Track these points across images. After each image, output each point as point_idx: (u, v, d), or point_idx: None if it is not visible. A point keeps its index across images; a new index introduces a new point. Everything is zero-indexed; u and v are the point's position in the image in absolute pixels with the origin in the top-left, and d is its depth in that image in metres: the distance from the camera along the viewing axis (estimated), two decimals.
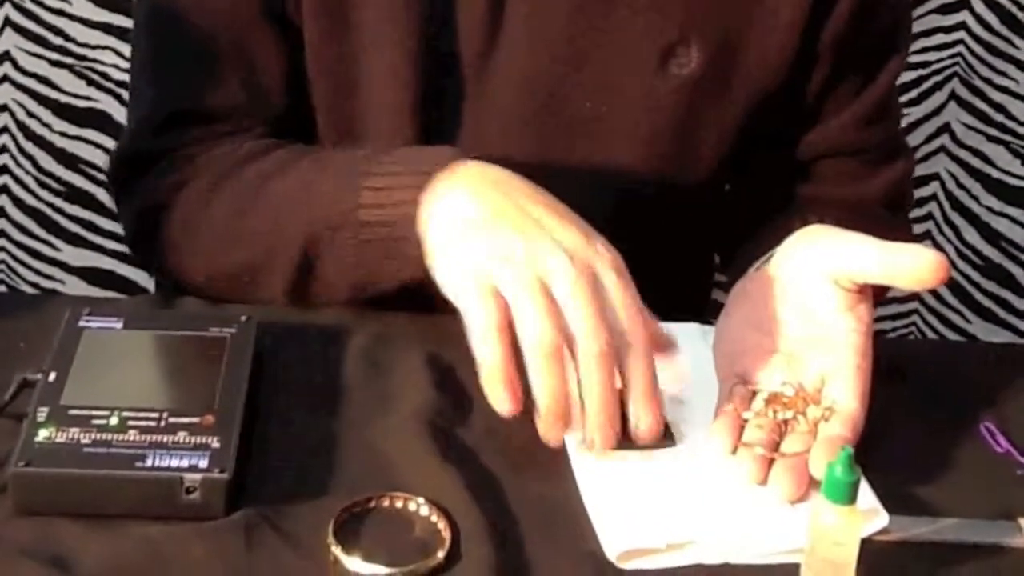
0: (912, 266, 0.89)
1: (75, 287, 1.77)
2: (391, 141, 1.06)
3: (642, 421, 0.86)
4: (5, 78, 1.71)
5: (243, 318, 0.94)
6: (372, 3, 1.04)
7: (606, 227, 1.09)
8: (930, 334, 1.92)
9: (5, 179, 1.75)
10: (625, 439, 0.88)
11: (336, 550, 0.79)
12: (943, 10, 1.76)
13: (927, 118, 1.81)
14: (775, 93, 1.10)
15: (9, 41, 1.69)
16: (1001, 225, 1.86)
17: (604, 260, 0.87)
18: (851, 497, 0.78)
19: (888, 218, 1.17)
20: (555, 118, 1.08)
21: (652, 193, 1.11)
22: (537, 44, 1.06)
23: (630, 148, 1.09)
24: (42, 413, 0.84)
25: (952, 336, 1.90)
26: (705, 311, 1.26)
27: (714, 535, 0.83)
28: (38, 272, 1.79)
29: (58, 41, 1.70)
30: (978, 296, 1.91)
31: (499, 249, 0.87)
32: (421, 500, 0.83)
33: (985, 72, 1.79)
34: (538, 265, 0.86)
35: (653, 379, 0.86)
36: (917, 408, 0.95)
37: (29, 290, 1.77)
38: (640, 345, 0.85)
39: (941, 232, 1.87)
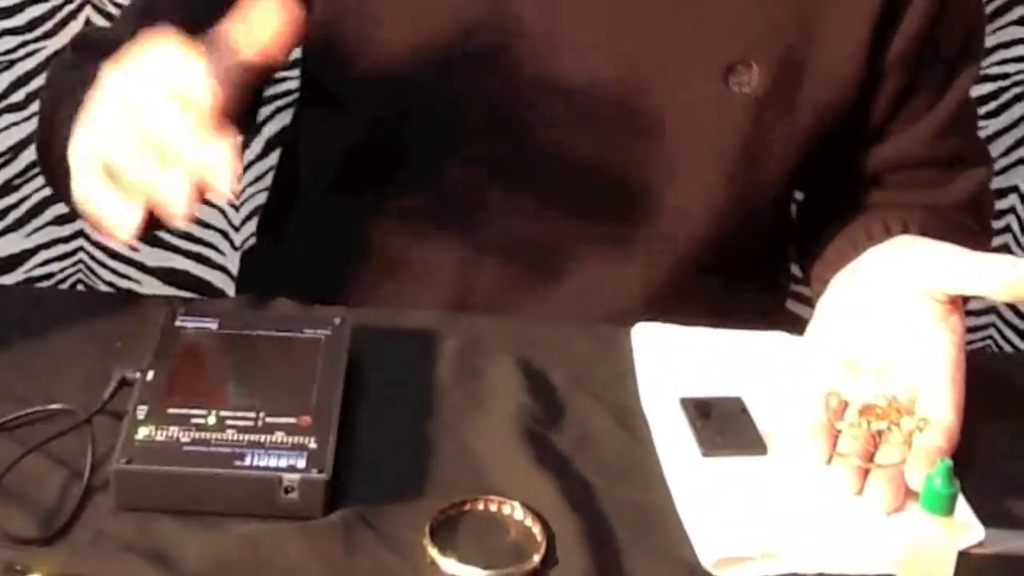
0: (1009, 279, 0.89)
1: (152, 287, 1.79)
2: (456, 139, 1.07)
3: None
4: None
5: (337, 320, 0.95)
6: None
7: (674, 237, 1.10)
8: (1007, 347, 1.91)
9: None
10: (717, 447, 0.89)
11: (433, 551, 0.80)
12: (1023, 22, 1.75)
13: (1006, 130, 1.80)
14: (843, 110, 1.09)
15: None
16: None
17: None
18: (949, 508, 0.78)
19: (970, 224, 1.16)
20: (619, 140, 1.07)
21: (719, 207, 1.10)
22: (597, 59, 1.05)
23: (694, 165, 1.09)
24: (142, 411, 0.85)
25: None
26: (779, 317, 1.25)
27: (809, 545, 0.83)
28: (115, 272, 1.80)
29: None
30: None
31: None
32: (516, 504, 0.84)
33: None
34: None
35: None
36: (1011, 422, 0.95)
37: (106, 290, 1.79)
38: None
39: (1020, 244, 1.85)
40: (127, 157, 0.83)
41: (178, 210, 0.82)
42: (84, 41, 1.13)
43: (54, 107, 1.02)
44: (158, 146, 0.82)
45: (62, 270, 1.79)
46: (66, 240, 1.78)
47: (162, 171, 0.82)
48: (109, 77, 0.86)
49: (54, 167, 1.00)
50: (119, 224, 0.84)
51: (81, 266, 1.80)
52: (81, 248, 1.79)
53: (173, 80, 0.83)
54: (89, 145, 0.86)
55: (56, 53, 1.69)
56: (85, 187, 0.86)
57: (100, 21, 1.69)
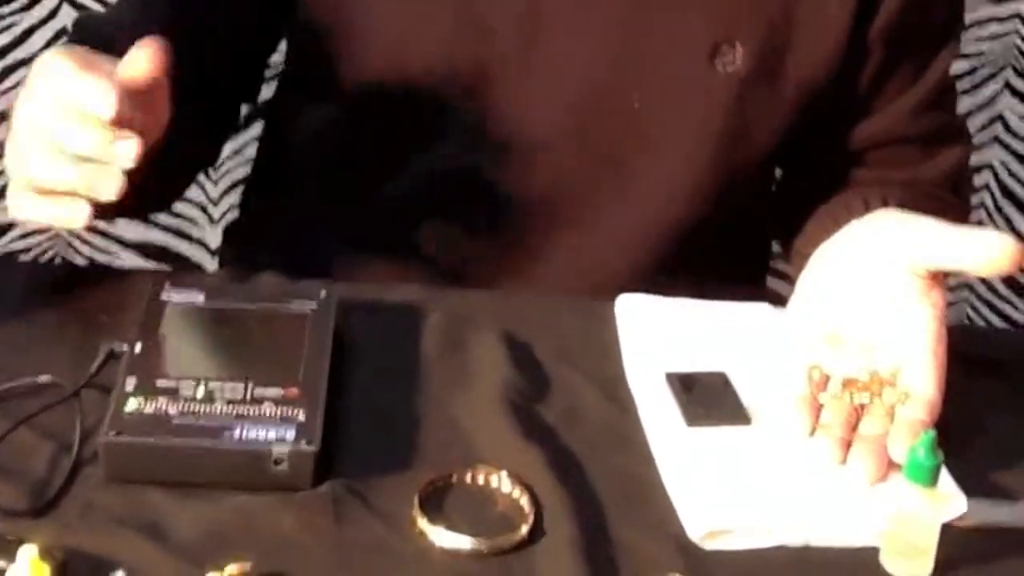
0: (988, 253, 0.90)
1: (130, 260, 1.78)
2: (437, 116, 1.08)
3: None
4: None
5: (323, 293, 0.95)
6: None
7: (657, 215, 1.11)
8: (980, 322, 1.92)
9: None
10: (702, 418, 0.89)
11: (422, 522, 0.81)
12: (998, 0, 1.77)
13: (980, 108, 1.81)
14: (825, 88, 1.10)
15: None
16: None
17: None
18: (933, 480, 0.80)
19: (950, 200, 1.17)
20: (603, 111, 1.08)
21: (703, 185, 1.11)
22: (583, 39, 1.06)
23: (679, 144, 1.10)
24: (130, 384, 0.86)
25: (1001, 325, 1.90)
26: (760, 293, 1.26)
27: (795, 517, 0.84)
28: (92, 246, 1.80)
29: None
30: None
31: None
32: (504, 475, 0.84)
33: None
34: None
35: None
36: (992, 396, 0.96)
37: (84, 264, 1.78)
38: None
39: (993, 221, 1.87)
40: (45, 171, 0.88)
41: (107, 196, 0.87)
42: (80, 28, 1.13)
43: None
44: (69, 155, 0.87)
45: (39, 244, 1.79)
46: None
47: (79, 171, 0.87)
48: (18, 101, 0.91)
49: None
50: (68, 221, 0.90)
51: (59, 240, 1.79)
52: None
53: (72, 94, 0.87)
54: (13, 169, 0.91)
55: (32, 28, 1.68)
56: (20, 206, 0.91)
57: None
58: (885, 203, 1.06)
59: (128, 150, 0.86)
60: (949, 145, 1.18)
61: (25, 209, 0.91)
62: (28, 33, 1.70)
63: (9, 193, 0.92)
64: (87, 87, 0.87)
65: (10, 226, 1.77)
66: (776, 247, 1.32)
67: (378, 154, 1.12)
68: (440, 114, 1.09)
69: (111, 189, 0.87)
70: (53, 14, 1.70)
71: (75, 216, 0.89)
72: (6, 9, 1.67)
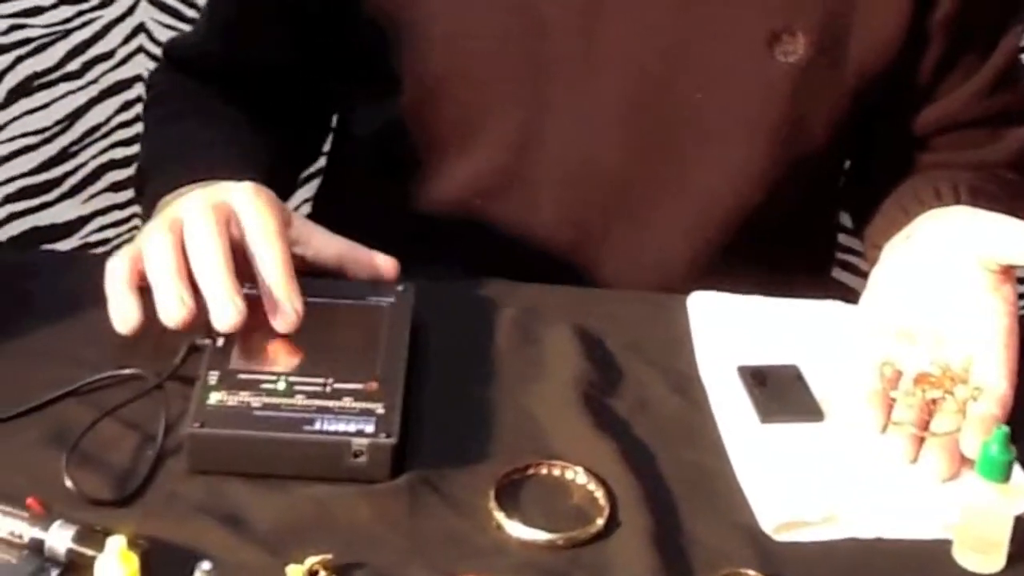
0: None
1: None
2: (492, 114, 1.10)
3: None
4: (140, 49, 1.76)
5: (400, 288, 0.96)
6: None
7: (718, 207, 1.11)
8: None
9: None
10: (775, 413, 0.90)
11: (498, 515, 0.82)
12: None
13: None
14: (887, 76, 1.10)
15: (145, 13, 1.74)
16: None
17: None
18: (1006, 475, 0.80)
19: (1018, 180, 1.16)
20: (663, 107, 1.09)
21: (763, 175, 1.11)
22: (640, 31, 1.07)
23: (739, 136, 1.10)
24: (213, 377, 0.88)
25: None
26: (826, 285, 1.26)
27: (867, 509, 0.84)
28: None
29: (191, 13, 1.74)
30: None
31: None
32: (579, 469, 0.85)
33: None
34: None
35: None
36: None
37: None
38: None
39: None
40: (156, 257, 0.90)
41: (167, 320, 0.89)
42: (171, 53, 1.21)
43: (151, 164, 1.10)
44: (184, 261, 0.90)
45: (117, 236, 1.82)
46: (121, 207, 1.81)
47: (174, 283, 0.89)
48: (187, 201, 0.94)
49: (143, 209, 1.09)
50: (117, 317, 0.91)
51: (136, 232, 1.82)
52: (135, 215, 1.81)
53: (233, 224, 0.91)
54: (137, 247, 0.93)
55: (111, 24, 1.71)
56: (113, 276, 0.92)
57: None
58: (955, 189, 1.06)
59: (228, 318, 0.88)
60: (1016, 125, 1.17)
61: (114, 273, 0.92)
62: (107, 29, 1.73)
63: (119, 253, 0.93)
64: (264, 248, 0.90)
65: (89, 218, 1.81)
66: (844, 239, 1.32)
67: (437, 151, 1.13)
68: (497, 109, 1.10)
69: (177, 314, 0.88)
70: (131, 10, 1.73)
71: (120, 317, 0.91)
72: (85, 5, 1.70)
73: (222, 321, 0.88)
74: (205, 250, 0.89)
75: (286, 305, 0.90)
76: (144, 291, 0.92)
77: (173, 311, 0.89)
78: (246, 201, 0.93)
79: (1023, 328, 0.94)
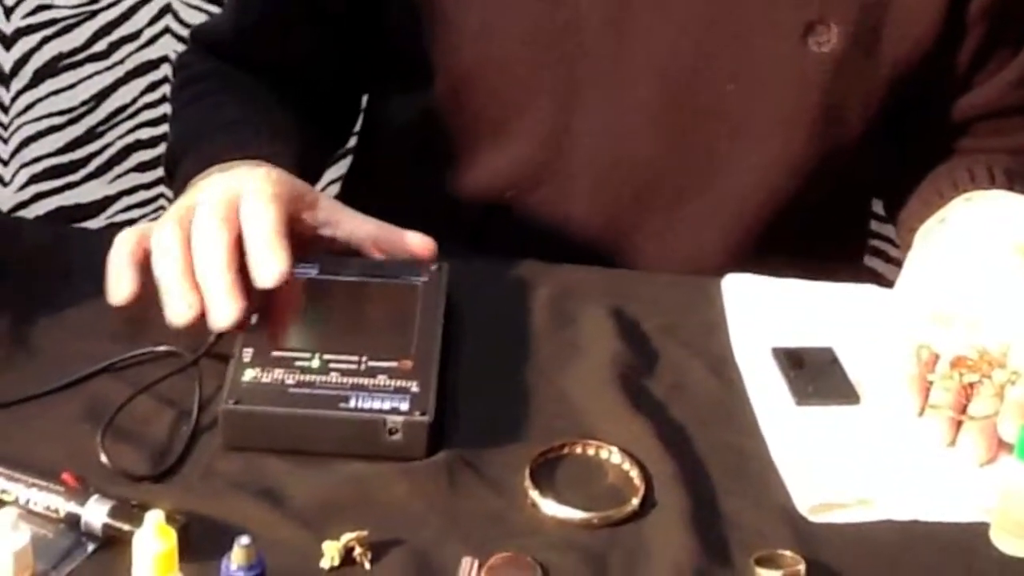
0: None
1: None
2: (524, 106, 1.09)
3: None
4: (167, 30, 1.76)
5: (434, 267, 0.96)
6: None
7: (752, 197, 1.11)
8: None
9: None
10: (810, 396, 0.90)
11: (534, 493, 0.82)
12: None
13: None
14: (922, 66, 1.10)
15: None
16: None
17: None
18: None
19: None
20: (695, 100, 1.08)
21: (798, 165, 1.11)
22: (672, 23, 1.07)
23: (773, 128, 1.10)
24: (247, 354, 0.88)
25: None
26: (857, 272, 1.26)
27: (902, 492, 0.84)
28: None
29: None
30: None
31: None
32: (614, 448, 0.85)
33: None
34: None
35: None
36: None
37: None
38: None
39: None
40: (163, 255, 0.90)
41: (173, 320, 0.89)
42: (200, 38, 1.21)
43: (181, 145, 1.09)
44: (189, 259, 0.89)
45: (144, 216, 1.82)
46: (148, 187, 1.81)
47: (181, 286, 0.88)
48: (203, 191, 0.93)
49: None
50: (112, 288, 0.91)
51: (163, 212, 1.82)
52: (162, 195, 1.82)
53: (239, 222, 0.90)
54: (151, 227, 0.93)
55: (136, 5, 1.71)
56: (117, 250, 0.92)
57: None
58: (990, 172, 1.05)
59: (223, 317, 0.87)
60: None
61: (117, 251, 0.92)
62: (133, 9, 1.73)
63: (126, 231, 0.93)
64: (259, 251, 0.89)
65: (116, 198, 1.81)
66: (874, 225, 1.32)
67: (468, 142, 1.13)
68: (529, 101, 1.10)
69: (182, 316, 0.88)
70: None
71: (116, 290, 0.90)
72: None
73: (218, 320, 0.88)
74: (208, 248, 0.89)
75: (268, 258, 0.89)
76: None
77: (179, 313, 0.89)
78: (252, 192, 0.92)
79: None
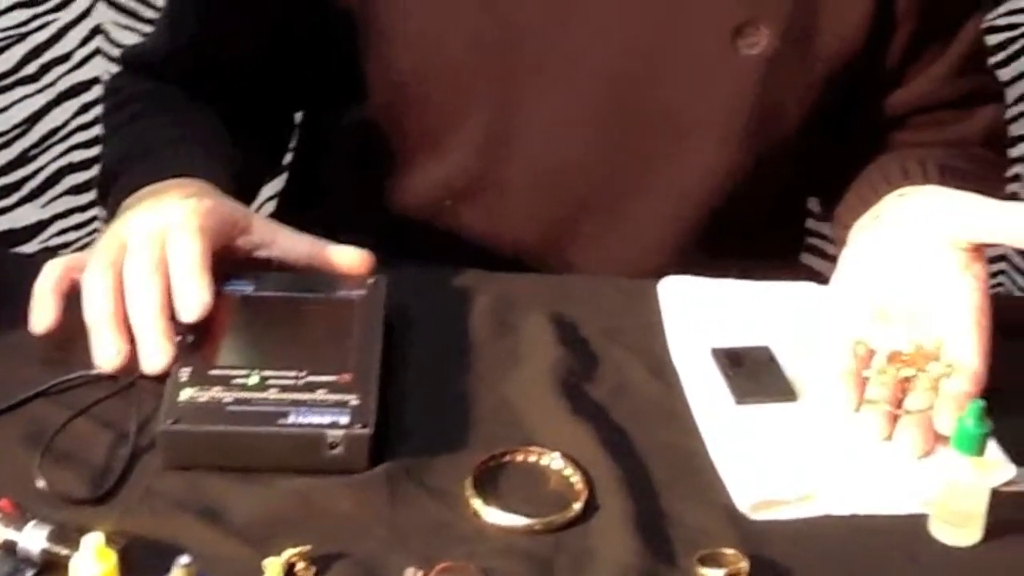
0: None
1: None
2: (463, 115, 1.10)
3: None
4: (98, 51, 1.75)
5: (372, 280, 0.96)
6: None
7: (690, 198, 1.12)
8: (1017, 293, 1.93)
9: None
10: (749, 394, 0.90)
11: (476, 502, 0.82)
12: None
13: (1015, 80, 1.81)
14: (855, 63, 1.11)
15: (102, 15, 1.73)
16: None
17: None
18: (981, 448, 0.81)
19: (988, 156, 1.18)
20: (632, 106, 1.09)
21: (734, 167, 1.12)
22: (608, 31, 1.07)
23: (709, 130, 1.10)
24: (184, 373, 0.87)
25: None
26: (795, 270, 1.26)
27: (843, 488, 0.85)
28: None
29: (149, 14, 1.73)
30: None
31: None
32: (556, 454, 0.85)
33: None
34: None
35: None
36: None
37: None
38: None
39: None
40: (93, 300, 0.90)
41: (101, 365, 0.89)
42: (133, 60, 1.20)
43: (115, 167, 1.08)
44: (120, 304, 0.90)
45: (78, 239, 1.81)
46: (82, 209, 1.80)
47: (110, 332, 0.89)
48: (134, 221, 0.94)
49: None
50: (34, 317, 0.92)
51: (97, 235, 1.81)
52: (96, 217, 1.80)
53: (167, 257, 0.91)
54: (79, 259, 0.94)
55: (67, 26, 1.70)
56: (43, 279, 0.93)
57: None
58: (923, 168, 1.06)
59: (155, 362, 0.88)
60: (984, 104, 1.18)
61: (42, 283, 0.93)
62: (64, 31, 1.72)
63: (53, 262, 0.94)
64: (184, 286, 0.89)
65: (50, 222, 1.80)
66: (812, 224, 1.32)
67: (407, 152, 1.13)
68: (468, 110, 1.10)
69: (111, 361, 0.89)
70: (88, 12, 1.72)
71: (38, 320, 0.91)
72: (41, 8, 1.69)
73: (148, 365, 0.89)
74: (140, 295, 0.90)
75: (191, 292, 0.90)
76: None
77: (108, 359, 0.89)
78: (178, 226, 0.92)
79: (993, 304, 0.94)
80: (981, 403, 0.80)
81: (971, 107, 1.17)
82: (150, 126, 1.11)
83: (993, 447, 0.86)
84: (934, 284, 0.94)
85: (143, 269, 0.90)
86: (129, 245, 0.92)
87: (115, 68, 1.72)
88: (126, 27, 1.73)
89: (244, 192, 1.03)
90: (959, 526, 0.82)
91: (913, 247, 0.96)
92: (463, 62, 1.08)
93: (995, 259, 1.91)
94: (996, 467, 0.84)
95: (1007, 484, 0.85)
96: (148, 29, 1.71)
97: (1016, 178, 1.88)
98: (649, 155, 1.11)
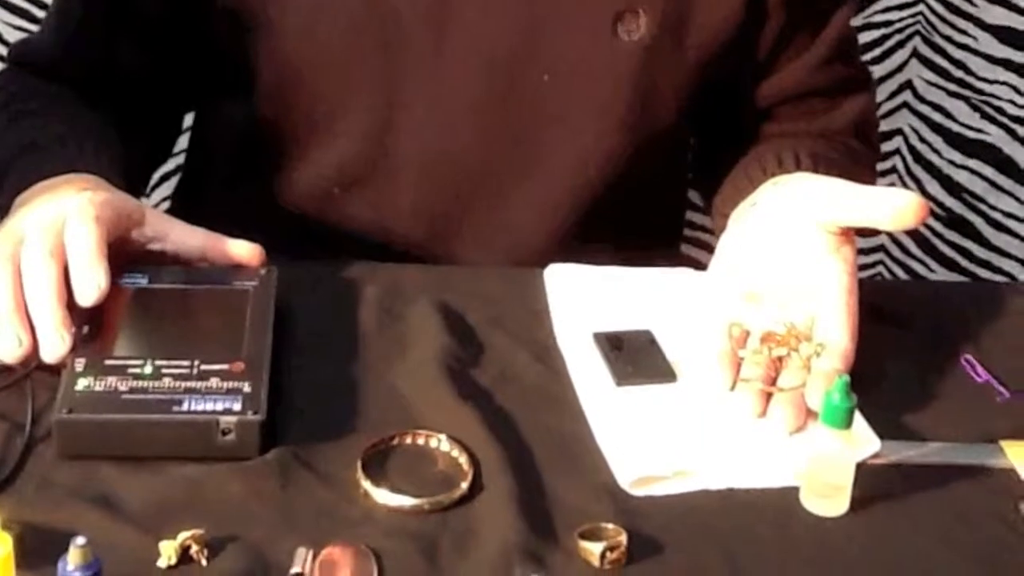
0: (893, 208, 0.95)
1: None
2: (347, 104, 1.12)
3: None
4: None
5: (263, 271, 0.98)
6: None
7: (570, 184, 1.14)
8: None
9: None
10: (630, 376, 0.94)
11: (366, 484, 0.84)
12: None
13: (890, 75, 1.87)
14: (728, 51, 1.14)
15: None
16: (962, 177, 1.93)
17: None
18: (848, 422, 0.84)
19: (858, 146, 1.22)
20: (514, 93, 1.12)
21: (613, 153, 1.15)
22: (489, 17, 1.10)
23: (588, 117, 1.13)
24: (80, 364, 0.89)
25: None
26: (675, 260, 1.30)
27: (718, 463, 0.88)
28: None
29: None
30: (940, 246, 1.97)
31: None
32: (442, 436, 0.88)
33: (946, 30, 1.85)
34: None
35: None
36: (902, 344, 1.01)
37: None
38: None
39: (904, 185, 1.93)
40: None
41: (4, 357, 0.90)
42: (19, 58, 1.20)
43: (5, 164, 1.08)
44: (19, 296, 0.91)
45: None
46: None
47: (11, 323, 0.90)
48: (29, 216, 0.95)
49: None
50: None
51: None
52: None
53: (62, 245, 0.92)
54: None
55: None
56: None
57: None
58: (796, 156, 1.10)
59: (54, 351, 0.89)
60: (854, 94, 1.22)
61: None
62: None
63: None
64: (81, 276, 0.91)
65: None
66: (689, 215, 1.36)
67: (295, 144, 1.15)
68: (352, 100, 1.12)
69: (13, 352, 0.90)
70: None
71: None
72: None
73: (48, 353, 0.90)
74: (37, 283, 0.91)
75: (88, 277, 0.91)
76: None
77: (9, 350, 0.90)
78: (74, 215, 0.93)
79: (862, 287, 0.98)
80: (846, 378, 0.84)
81: (841, 95, 1.21)
82: (39, 124, 1.12)
83: (860, 422, 0.90)
84: (804, 266, 0.98)
85: (40, 256, 0.91)
86: (25, 236, 0.93)
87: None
88: (18, 27, 1.74)
89: (133, 188, 1.04)
90: (827, 497, 0.86)
91: (784, 231, 0.99)
92: (344, 51, 1.10)
93: (872, 250, 1.97)
94: (862, 441, 0.88)
95: (873, 457, 0.89)
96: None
97: (892, 171, 1.94)
98: (531, 141, 1.13)
